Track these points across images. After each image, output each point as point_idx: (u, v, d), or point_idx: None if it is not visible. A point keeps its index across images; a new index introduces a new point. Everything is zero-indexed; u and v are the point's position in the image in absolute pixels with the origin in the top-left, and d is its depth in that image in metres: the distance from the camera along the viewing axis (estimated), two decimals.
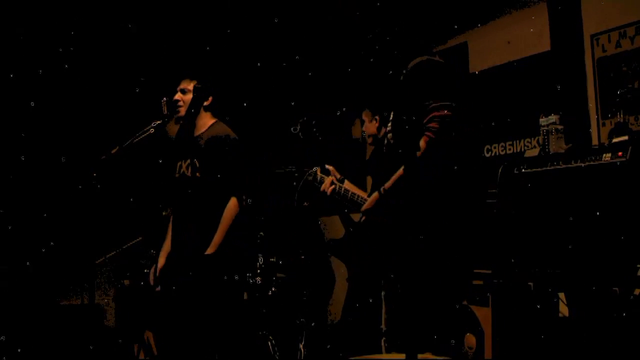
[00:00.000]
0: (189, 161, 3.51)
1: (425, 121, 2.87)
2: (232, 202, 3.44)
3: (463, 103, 3.00)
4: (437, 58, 3.00)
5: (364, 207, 3.28)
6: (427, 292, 2.69)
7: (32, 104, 4.66)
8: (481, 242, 3.51)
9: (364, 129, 4.24)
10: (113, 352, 4.52)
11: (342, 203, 3.65)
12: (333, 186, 3.61)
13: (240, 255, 3.59)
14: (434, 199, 2.79)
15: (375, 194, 3.13)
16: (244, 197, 3.49)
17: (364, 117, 4.26)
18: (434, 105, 2.86)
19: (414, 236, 2.61)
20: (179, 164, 3.57)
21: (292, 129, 3.95)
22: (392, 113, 3.22)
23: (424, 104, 2.85)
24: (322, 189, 3.67)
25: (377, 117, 4.12)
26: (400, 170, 2.91)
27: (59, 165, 4.87)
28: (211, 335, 3.39)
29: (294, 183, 3.80)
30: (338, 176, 3.75)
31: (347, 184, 3.70)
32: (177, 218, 3.56)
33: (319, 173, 3.78)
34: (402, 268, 2.79)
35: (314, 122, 3.97)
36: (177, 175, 3.56)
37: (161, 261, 3.57)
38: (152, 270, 3.60)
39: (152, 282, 3.59)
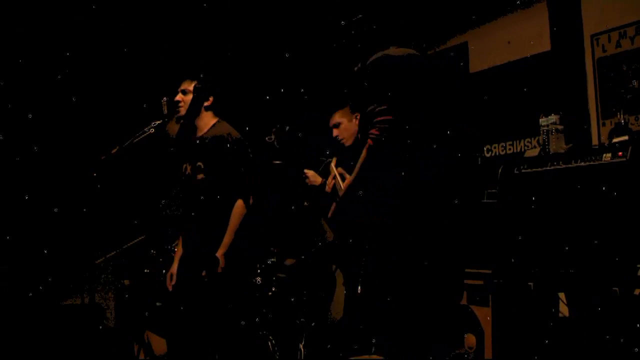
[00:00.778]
0: (194, 162, 3.50)
1: (369, 126, 2.70)
2: (239, 203, 3.44)
3: (461, 102, 2.96)
4: (396, 52, 2.72)
5: (329, 216, 3.19)
6: (403, 295, 2.63)
7: (32, 103, 4.66)
8: (482, 242, 3.51)
9: (337, 133, 3.89)
10: (113, 352, 4.52)
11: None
12: (334, 181, 3.50)
13: (243, 255, 3.59)
14: (428, 200, 2.74)
15: (334, 204, 3.05)
16: (249, 197, 3.49)
17: (338, 119, 3.92)
18: (378, 109, 2.65)
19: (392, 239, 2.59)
20: (184, 166, 3.57)
21: (266, 138, 3.92)
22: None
23: (370, 105, 2.68)
24: (327, 181, 3.58)
25: (357, 115, 3.84)
26: (350, 177, 2.78)
27: (59, 165, 4.87)
28: (215, 335, 3.40)
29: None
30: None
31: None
32: (186, 220, 3.56)
33: (332, 165, 3.65)
34: (376, 272, 2.72)
35: (287, 129, 3.91)
36: (183, 177, 3.56)
37: (175, 265, 3.58)
38: (169, 274, 3.60)
39: (169, 288, 3.58)
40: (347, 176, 3.49)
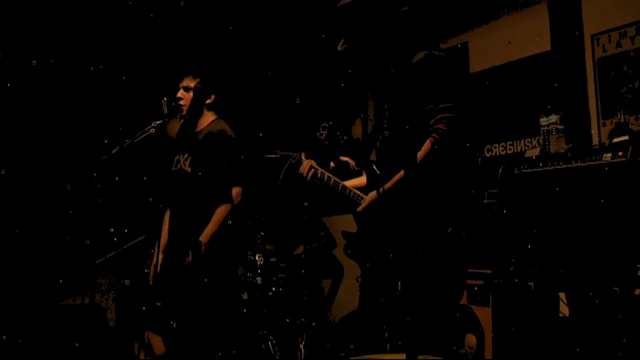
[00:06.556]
0: (186, 155, 3.55)
1: (432, 122, 2.84)
2: (236, 191, 3.50)
3: (462, 102, 2.98)
4: (437, 52, 2.94)
5: (359, 208, 3.08)
6: (425, 292, 2.66)
7: (31, 102, 4.66)
8: (482, 242, 3.51)
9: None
10: (113, 352, 4.52)
11: (328, 191, 3.45)
12: (312, 170, 3.28)
13: (227, 247, 3.56)
14: (434, 199, 2.77)
15: (373, 193, 2.98)
16: (243, 186, 3.53)
17: None
18: (441, 106, 2.83)
19: (414, 237, 2.60)
20: (176, 158, 3.60)
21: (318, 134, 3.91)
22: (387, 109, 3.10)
23: (426, 103, 2.82)
24: (299, 170, 3.44)
25: None
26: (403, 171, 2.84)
27: (59, 165, 4.87)
28: (211, 333, 3.40)
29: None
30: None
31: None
32: (173, 212, 3.59)
33: (303, 157, 3.44)
34: (403, 269, 2.75)
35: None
36: (174, 168, 3.59)
37: (160, 257, 3.57)
38: (152, 269, 3.60)
39: (151, 282, 3.59)
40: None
